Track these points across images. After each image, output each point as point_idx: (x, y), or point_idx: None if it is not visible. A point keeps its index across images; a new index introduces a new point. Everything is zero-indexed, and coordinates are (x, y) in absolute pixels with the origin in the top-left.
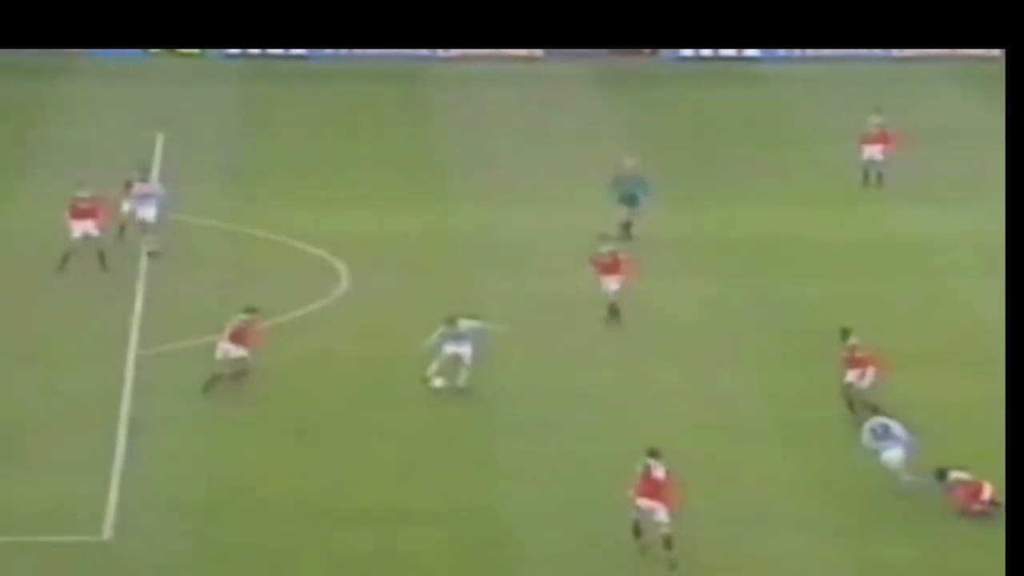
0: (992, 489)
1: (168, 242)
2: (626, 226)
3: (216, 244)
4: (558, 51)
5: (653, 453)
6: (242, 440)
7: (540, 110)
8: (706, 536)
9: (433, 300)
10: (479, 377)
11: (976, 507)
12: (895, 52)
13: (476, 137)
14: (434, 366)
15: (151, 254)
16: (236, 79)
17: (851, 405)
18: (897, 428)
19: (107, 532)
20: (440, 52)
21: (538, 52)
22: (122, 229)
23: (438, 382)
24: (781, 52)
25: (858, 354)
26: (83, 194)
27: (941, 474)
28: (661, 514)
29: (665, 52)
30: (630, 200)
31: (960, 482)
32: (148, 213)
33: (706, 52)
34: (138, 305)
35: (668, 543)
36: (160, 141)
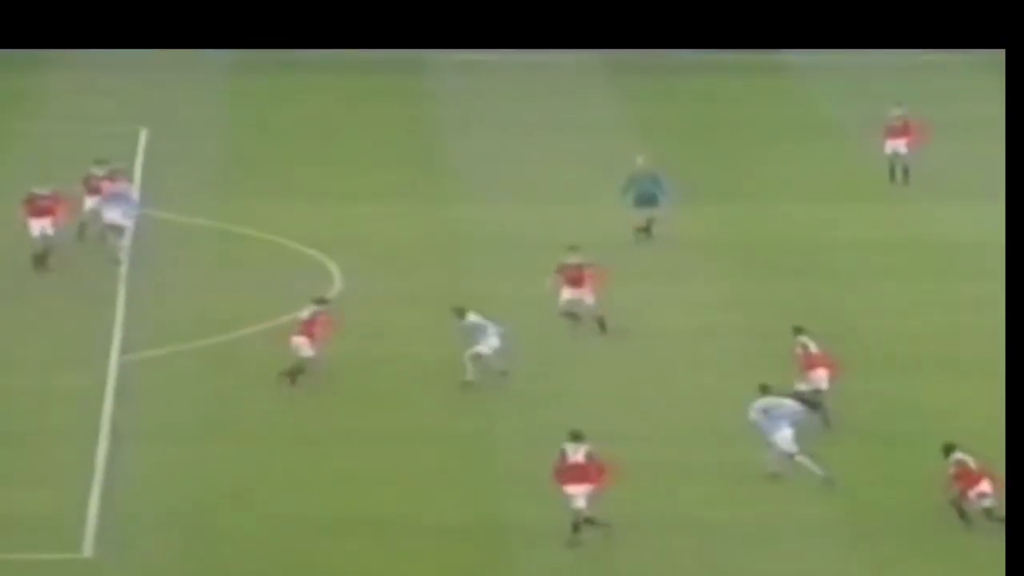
0: (992, 488)
1: (152, 241)
2: (647, 228)
3: (202, 243)
4: None
5: (575, 436)
6: (231, 449)
7: (545, 101)
8: (724, 549)
9: (431, 303)
10: (480, 382)
11: (971, 497)
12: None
13: (477, 130)
14: (469, 368)
15: (115, 262)
16: (223, 69)
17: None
18: (788, 407)
19: (88, 549)
20: None
21: None
22: (82, 228)
23: (470, 375)
24: None
25: (812, 351)
26: (41, 191)
27: (948, 449)
28: (581, 500)
29: None
30: (649, 200)
31: (963, 465)
32: (116, 215)
33: None
34: (120, 307)
35: (577, 528)
36: (144, 135)
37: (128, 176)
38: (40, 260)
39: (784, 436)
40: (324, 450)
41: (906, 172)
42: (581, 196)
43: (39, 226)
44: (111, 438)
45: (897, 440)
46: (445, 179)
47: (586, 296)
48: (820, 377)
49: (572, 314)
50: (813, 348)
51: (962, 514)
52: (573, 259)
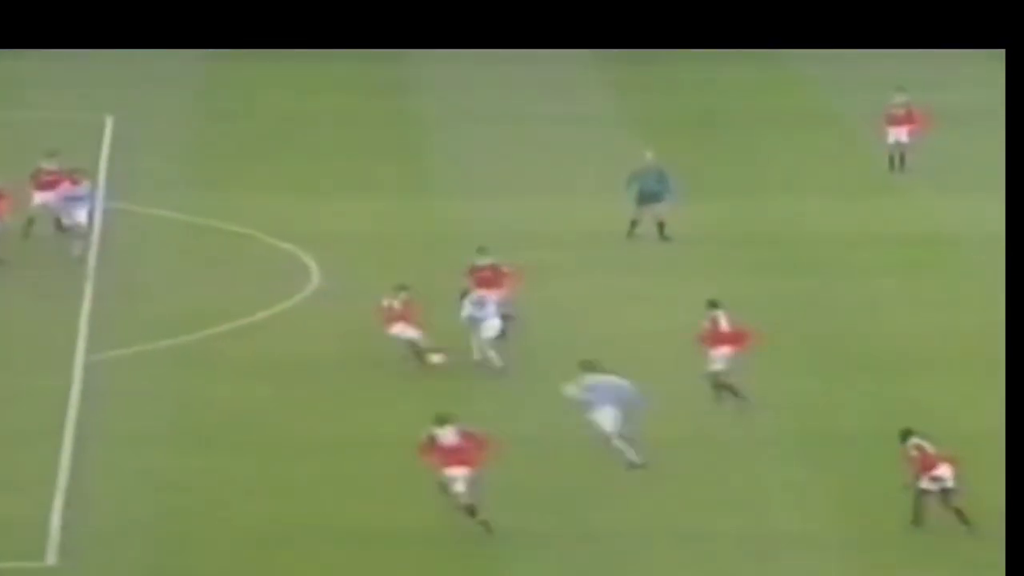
0: (950, 472)
1: (118, 235)
2: (659, 226)
3: (172, 237)
4: None
5: (441, 420)
6: (202, 454)
7: (533, 92)
8: (721, 559)
9: (413, 300)
10: (466, 385)
11: (925, 480)
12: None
13: (461, 121)
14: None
15: (77, 259)
16: (195, 55)
17: (725, 388)
18: (612, 385)
19: (51, 557)
20: None
21: None
22: (30, 223)
23: (477, 355)
24: None
25: (722, 328)
26: None
27: (905, 433)
28: (460, 483)
29: None
30: (651, 198)
31: (920, 449)
32: (82, 217)
33: None
34: (86, 304)
35: (472, 512)
36: (109, 123)
37: (90, 175)
38: None
39: (604, 416)
40: (300, 454)
41: (902, 160)
42: (568, 190)
43: None
44: (76, 441)
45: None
46: (427, 172)
47: (499, 296)
48: (722, 355)
49: (503, 331)
50: (723, 324)
51: (918, 508)
52: (484, 260)
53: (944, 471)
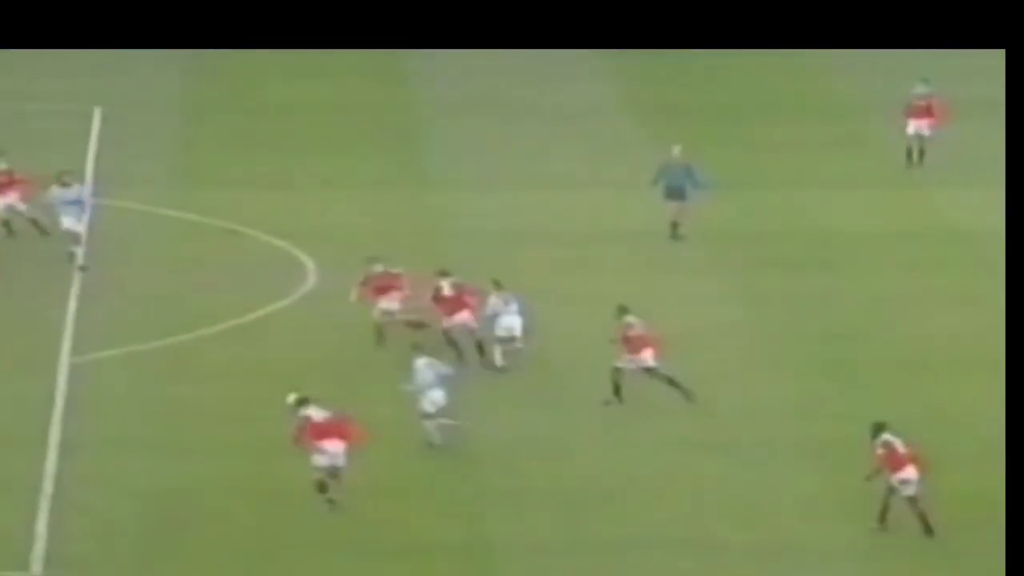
0: (916, 475)
1: (105, 232)
2: (673, 225)
3: (162, 234)
4: None
5: (300, 402)
6: (192, 460)
7: (536, 82)
8: (735, 569)
9: (412, 298)
10: (467, 387)
11: (894, 482)
12: None
13: (462, 112)
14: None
15: (82, 269)
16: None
17: (617, 390)
18: (432, 367)
19: (36, 567)
20: None
21: None
22: (5, 226)
23: (499, 361)
24: None
25: (631, 333)
26: None
27: (877, 429)
28: (340, 459)
29: None
30: (677, 194)
31: (890, 447)
32: (71, 223)
33: None
34: (71, 305)
35: (323, 488)
36: (97, 115)
37: (80, 179)
38: None
39: (431, 397)
40: (295, 459)
41: (922, 154)
42: (576, 184)
43: None
44: (61, 447)
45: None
46: (427, 165)
47: (395, 303)
48: (647, 356)
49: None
50: (638, 329)
51: (885, 508)
52: (377, 268)
53: (910, 473)
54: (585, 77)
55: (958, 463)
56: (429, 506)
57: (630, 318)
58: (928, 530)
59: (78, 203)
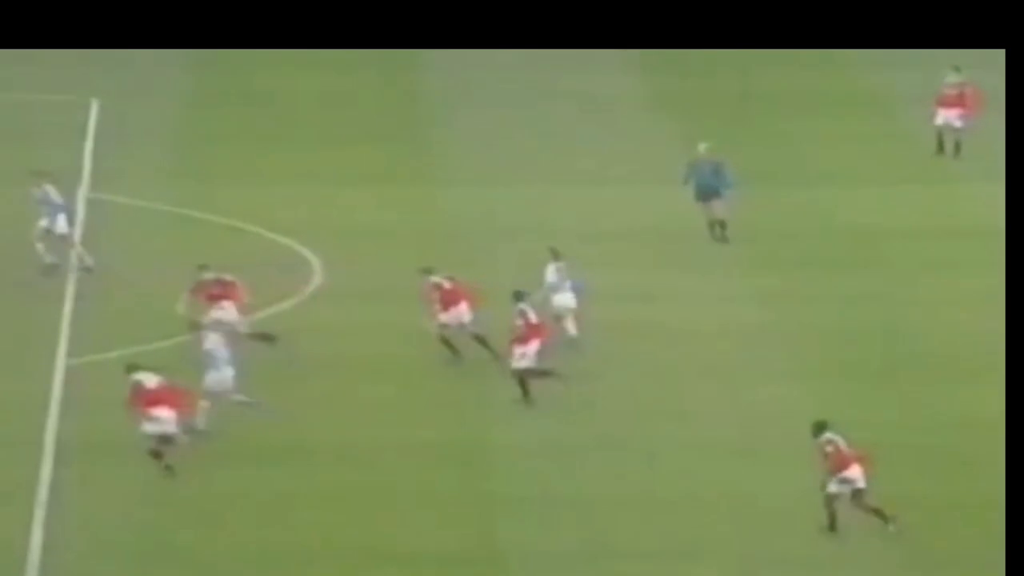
0: (860, 473)
1: (102, 228)
2: (711, 225)
3: (162, 231)
4: None
5: (131, 368)
6: (192, 465)
7: (548, 73)
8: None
9: (419, 298)
10: (475, 391)
11: (833, 483)
12: None
13: (472, 106)
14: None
15: (87, 270)
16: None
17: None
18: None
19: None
20: None
21: None
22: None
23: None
24: None
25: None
26: None
27: (819, 427)
28: (170, 425)
29: None
30: (709, 193)
31: (834, 444)
32: (62, 226)
33: None
34: (67, 304)
35: (158, 455)
36: (95, 108)
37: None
38: None
39: (220, 377)
40: (298, 465)
41: (958, 147)
42: (592, 180)
43: None
44: (56, 453)
45: (953, 458)
46: (436, 160)
47: (231, 312)
48: (533, 350)
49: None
50: (532, 318)
51: (830, 513)
52: (208, 275)
53: (855, 472)
54: (614, 71)
55: (996, 473)
56: (441, 513)
57: (523, 306)
58: (885, 519)
59: (47, 204)
